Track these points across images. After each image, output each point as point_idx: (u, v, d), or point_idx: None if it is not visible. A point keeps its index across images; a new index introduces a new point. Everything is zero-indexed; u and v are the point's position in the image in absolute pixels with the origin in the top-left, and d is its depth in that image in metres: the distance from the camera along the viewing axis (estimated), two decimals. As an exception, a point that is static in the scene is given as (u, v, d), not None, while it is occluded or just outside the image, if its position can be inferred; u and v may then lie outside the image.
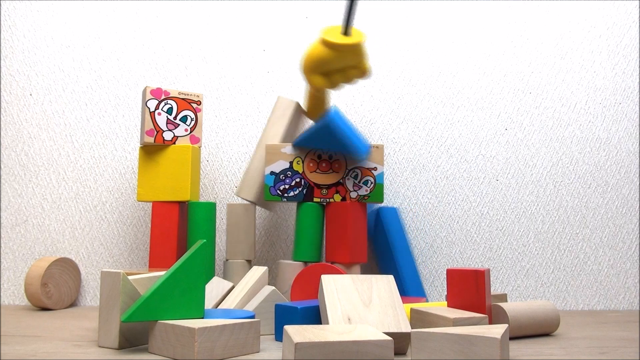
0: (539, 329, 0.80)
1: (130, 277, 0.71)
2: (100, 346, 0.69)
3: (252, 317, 0.72)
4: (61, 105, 1.20)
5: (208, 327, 0.62)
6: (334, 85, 0.99)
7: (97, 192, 1.18)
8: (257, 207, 1.11)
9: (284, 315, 0.74)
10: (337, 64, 0.96)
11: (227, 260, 1.02)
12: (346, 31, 0.94)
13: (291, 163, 1.01)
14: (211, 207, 1.01)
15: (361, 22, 1.23)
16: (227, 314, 0.72)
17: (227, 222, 1.03)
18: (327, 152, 1.00)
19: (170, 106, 1.03)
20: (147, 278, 0.75)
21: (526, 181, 1.20)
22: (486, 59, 1.23)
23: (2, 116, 1.19)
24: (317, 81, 0.97)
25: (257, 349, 0.67)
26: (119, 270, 0.68)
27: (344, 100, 1.22)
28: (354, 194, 0.99)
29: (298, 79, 1.22)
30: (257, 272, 0.87)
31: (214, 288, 0.87)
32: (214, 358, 0.62)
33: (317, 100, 1.06)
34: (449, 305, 0.80)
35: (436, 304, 0.84)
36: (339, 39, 0.94)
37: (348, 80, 0.99)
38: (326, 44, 0.94)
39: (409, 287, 1.06)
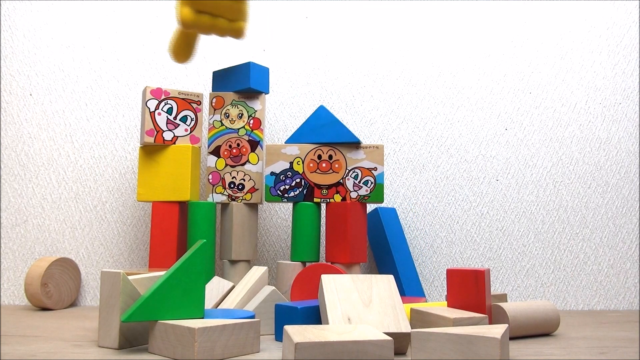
0: (539, 329, 0.80)
1: (130, 277, 0.71)
2: (100, 346, 0.69)
3: (252, 317, 0.72)
4: (61, 105, 1.20)
5: (208, 327, 0.62)
6: (199, 25, 0.91)
7: (97, 192, 1.18)
8: (259, 207, 1.11)
9: (284, 315, 0.74)
10: (210, 6, 0.89)
11: (232, 260, 1.01)
12: None
13: (291, 163, 1.01)
14: (211, 207, 1.01)
15: (361, 22, 1.23)
16: (227, 314, 0.72)
17: (233, 222, 1.02)
18: (323, 145, 1.01)
19: (170, 106, 1.03)
20: (147, 278, 0.75)
21: (526, 181, 1.20)
22: (486, 59, 1.23)
23: (2, 116, 1.19)
24: (184, 13, 0.90)
25: (257, 349, 0.67)
26: (118, 270, 0.68)
27: (344, 101, 1.22)
28: (354, 194, 0.99)
29: (298, 79, 1.22)
30: (257, 272, 0.87)
31: (214, 288, 0.87)
32: (214, 358, 0.62)
33: (181, 39, 0.97)
34: (449, 305, 0.80)
35: (436, 304, 0.84)
36: None
37: (216, 29, 0.92)
38: None
39: (408, 287, 1.06)
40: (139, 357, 0.63)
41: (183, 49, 0.97)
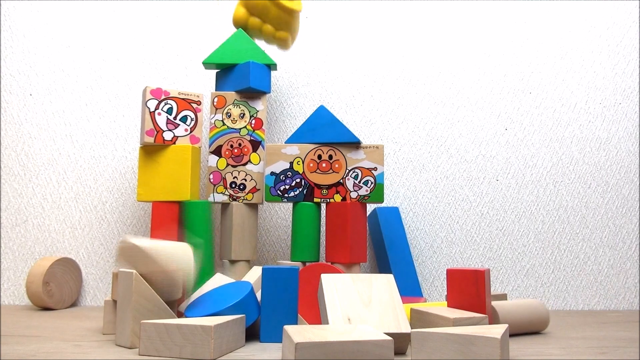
0: (529, 327, 0.81)
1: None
2: (117, 345, 0.69)
3: (250, 288, 0.74)
4: (61, 105, 1.20)
5: (220, 324, 0.63)
6: (249, 25, 1.06)
7: (97, 192, 1.18)
8: (259, 207, 1.11)
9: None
10: (260, 11, 1.04)
11: (231, 260, 1.01)
12: None
13: (291, 163, 1.01)
14: (206, 205, 1.00)
15: (361, 22, 1.23)
16: (223, 292, 0.75)
17: (233, 222, 1.01)
18: (323, 145, 1.01)
19: (170, 106, 1.03)
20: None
21: (526, 181, 1.20)
22: (486, 59, 1.23)
23: (2, 116, 1.19)
24: (239, 12, 1.06)
25: (243, 343, 0.70)
26: (131, 270, 0.68)
27: (344, 101, 1.22)
28: (354, 194, 0.99)
29: (298, 80, 1.22)
30: (257, 272, 0.88)
31: (216, 285, 0.87)
32: (222, 354, 0.63)
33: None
34: (449, 305, 0.80)
35: (436, 304, 0.84)
36: None
37: (263, 34, 1.07)
38: None
39: (404, 287, 1.06)
40: (139, 357, 0.63)
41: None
